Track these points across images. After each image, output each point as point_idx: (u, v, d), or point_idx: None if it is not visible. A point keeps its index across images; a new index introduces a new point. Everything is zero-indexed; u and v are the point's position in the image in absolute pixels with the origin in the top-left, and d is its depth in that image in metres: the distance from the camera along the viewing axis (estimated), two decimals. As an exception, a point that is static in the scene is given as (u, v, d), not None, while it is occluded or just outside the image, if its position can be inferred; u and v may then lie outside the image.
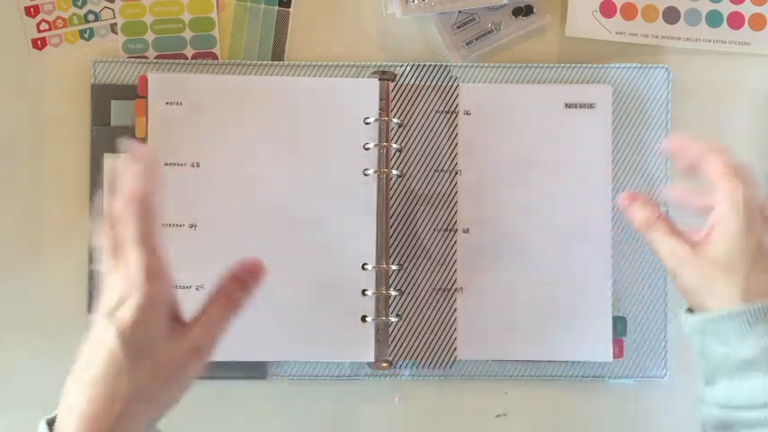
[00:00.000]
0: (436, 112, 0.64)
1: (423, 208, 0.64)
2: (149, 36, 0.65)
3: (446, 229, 0.64)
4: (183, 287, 0.61)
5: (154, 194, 0.47)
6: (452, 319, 0.63)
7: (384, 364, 0.63)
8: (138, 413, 0.45)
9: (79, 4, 0.65)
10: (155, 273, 0.46)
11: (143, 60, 0.64)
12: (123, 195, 0.47)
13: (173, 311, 0.47)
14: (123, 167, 0.47)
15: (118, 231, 0.47)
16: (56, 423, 0.46)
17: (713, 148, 0.52)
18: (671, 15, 0.66)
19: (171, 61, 0.64)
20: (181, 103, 0.63)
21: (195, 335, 0.47)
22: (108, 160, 0.59)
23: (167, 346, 0.46)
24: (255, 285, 0.50)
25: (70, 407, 0.45)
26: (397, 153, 0.64)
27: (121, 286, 0.45)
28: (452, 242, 0.64)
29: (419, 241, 0.64)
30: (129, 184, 0.47)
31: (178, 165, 0.62)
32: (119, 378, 0.44)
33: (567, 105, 0.64)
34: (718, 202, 0.50)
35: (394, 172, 0.63)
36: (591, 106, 0.64)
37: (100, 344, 0.45)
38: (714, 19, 0.66)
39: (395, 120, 0.63)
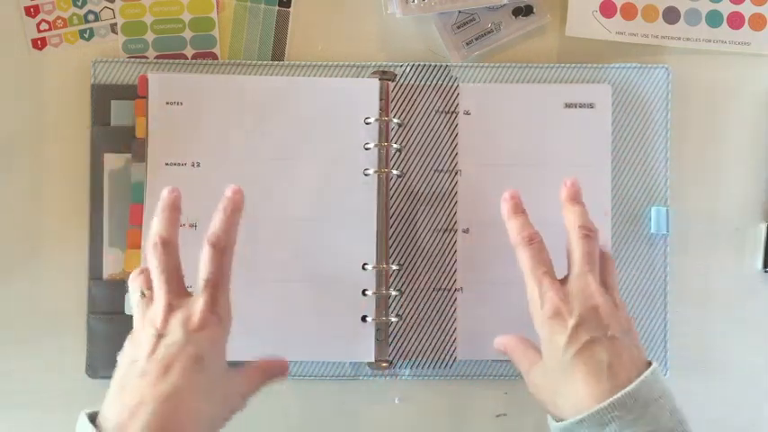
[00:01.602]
0: (436, 112, 0.64)
1: (423, 208, 0.64)
2: (149, 36, 0.65)
3: (446, 229, 0.64)
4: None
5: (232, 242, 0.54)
6: (452, 319, 0.63)
7: (384, 364, 0.63)
8: (203, 421, 0.48)
9: (79, 4, 0.65)
10: (229, 312, 0.52)
11: (143, 60, 0.64)
12: (206, 240, 0.53)
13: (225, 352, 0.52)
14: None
15: (179, 261, 0.53)
16: (100, 418, 0.47)
17: (532, 235, 0.54)
18: (671, 15, 0.66)
19: (171, 61, 0.64)
20: (181, 103, 0.63)
21: (250, 381, 0.53)
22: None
23: (228, 380, 0.51)
24: (277, 380, 0.56)
25: (136, 409, 0.46)
26: (397, 153, 0.64)
27: (204, 313, 0.50)
28: (452, 242, 0.64)
29: (419, 241, 0.64)
30: (216, 228, 0.53)
31: (178, 165, 0.62)
32: (199, 394, 0.48)
33: (567, 105, 0.64)
34: (529, 312, 0.52)
35: (394, 172, 0.63)
36: (591, 106, 0.64)
37: (179, 356, 0.48)
38: (714, 19, 0.66)
39: (395, 120, 0.63)
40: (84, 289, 0.63)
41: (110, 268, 0.63)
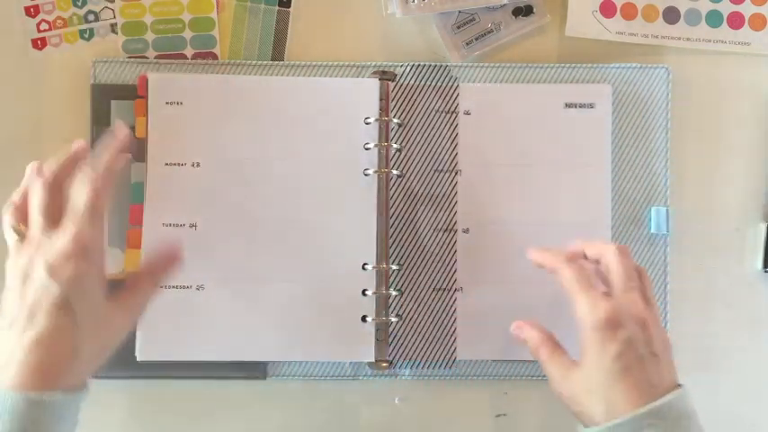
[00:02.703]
0: (436, 112, 0.64)
1: (423, 208, 0.64)
2: (149, 36, 0.65)
3: (446, 229, 0.64)
4: (184, 287, 0.62)
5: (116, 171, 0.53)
6: (452, 319, 0.63)
7: (384, 364, 0.63)
8: (81, 365, 0.49)
9: (79, 4, 0.65)
10: (99, 243, 0.51)
11: (143, 60, 0.64)
12: (91, 163, 0.52)
13: (103, 281, 0.51)
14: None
15: (59, 187, 0.52)
16: None
17: (568, 256, 0.54)
18: (671, 15, 0.66)
19: (171, 61, 0.64)
20: (181, 103, 0.63)
21: (134, 301, 0.53)
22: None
23: (106, 308, 0.50)
24: (173, 270, 0.56)
25: (8, 359, 0.47)
26: (397, 153, 0.64)
27: (65, 247, 0.49)
28: (452, 242, 0.64)
29: (419, 241, 0.64)
30: (102, 153, 0.52)
31: (178, 165, 0.62)
32: (67, 330, 0.48)
33: (567, 105, 0.64)
34: (577, 320, 0.52)
35: (394, 172, 0.63)
36: (591, 106, 0.64)
37: (42, 298, 0.48)
38: (714, 19, 0.66)
39: (395, 120, 0.63)
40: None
41: (110, 268, 0.63)
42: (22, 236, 0.51)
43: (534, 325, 0.56)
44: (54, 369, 0.47)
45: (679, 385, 0.51)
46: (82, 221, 0.50)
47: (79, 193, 0.50)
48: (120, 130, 0.56)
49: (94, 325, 0.49)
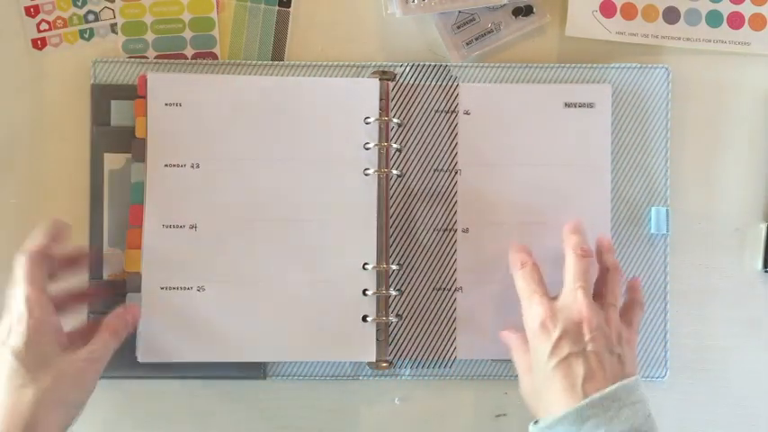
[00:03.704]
0: (436, 111, 0.64)
1: (422, 208, 0.64)
2: (149, 36, 0.65)
3: (446, 229, 0.64)
4: (184, 288, 0.62)
5: (46, 250, 0.55)
6: (452, 318, 0.63)
7: (384, 364, 0.63)
8: (46, 418, 0.51)
9: (79, 4, 0.65)
10: (38, 302, 0.53)
11: (143, 60, 0.64)
12: (26, 253, 0.55)
13: (59, 334, 0.54)
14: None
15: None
16: None
17: (522, 261, 0.57)
18: (671, 15, 0.66)
19: (171, 61, 0.64)
20: (180, 104, 0.62)
21: (92, 348, 0.55)
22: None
23: (63, 359, 0.53)
24: (134, 325, 0.60)
25: None
26: (397, 153, 0.64)
27: (8, 319, 0.53)
28: (452, 242, 0.64)
29: (419, 241, 0.64)
30: (29, 242, 0.56)
31: (178, 166, 0.62)
32: (23, 389, 0.51)
33: (567, 105, 0.64)
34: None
35: (394, 172, 0.63)
36: (590, 106, 0.64)
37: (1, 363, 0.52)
38: (714, 19, 0.66)
39: (395, 119, 0.63)
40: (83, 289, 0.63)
41: (110, 268, 0.63)
42: None
43: (514, 330, 0.58)
44: (14, 418, 0.50)
45: (633, 376, 0.52)
46: (16, 292, 0.53)
47: (17, 272, 0.54)
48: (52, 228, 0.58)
49: (53, 377, 0.52)
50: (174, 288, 0.61)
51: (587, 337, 0.52)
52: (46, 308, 0.54)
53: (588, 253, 0.56)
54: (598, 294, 0.56)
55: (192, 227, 0.62)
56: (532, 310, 0.54)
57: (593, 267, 0.57)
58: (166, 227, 0.62)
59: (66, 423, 0.52)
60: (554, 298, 0.55)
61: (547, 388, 0.52)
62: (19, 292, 0.53)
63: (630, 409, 0.50)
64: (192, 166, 0.62)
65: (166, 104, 0.62)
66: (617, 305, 0.56)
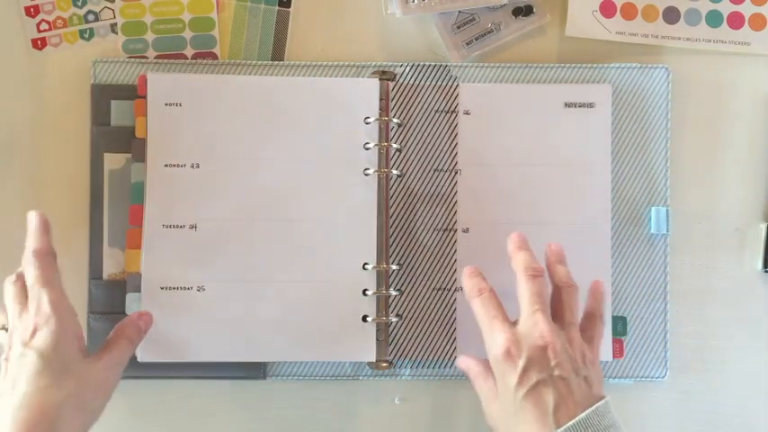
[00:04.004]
0: (436, 111, 0.64)
1: (422, 208, 0.64)
2: (149, 36, 0.65)
3: (446, 229, 0.64)
4: (184, 288, 0.62)
5: (52, 250, 0.56)
6: (452, 318, 0.63)
7: (384, 364, 0.63)
8: (70, 421, 0.51)
9: (79, 4, 0.65)
10: (63, 307, 0.53)
11: (143, 60, 0.64)
12: (28, 251, 0.55)
13: (80, 340, 0.54)
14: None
15: (22, 281, 0.55)
16: None
17: (480, 288, 0.56)
18: (671, 15, 0.66)
19: (171, 61, 0.64)
20: (180, 104, 0.62)
21: (111, 356, 0.55)
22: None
23: (86, 366, 0.53)
24: (146, 331, 0.60)
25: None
26: (397, 153, 0.64)
27: (33, 320, 0.53)
28: (452, 242, 0.64)
29: (419, 241, 0.64)
30: (33, 241, 0.56)
31: (178, 166, 0.62)
32: (48, 390, 0.51)
33: (567, 105, 0.64)
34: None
35: (394, 172, 0.63)
36: (590, 106, 0.64)
37: (21, 368, 0.51)
38: (714, 19, 0.66)
39: (395, 119, 0.64)
40: (84, 289, 0.63)
41: (110, 268, 0.63)
42: (5, 328, 0.56)
43: (472, 356, 0.57)
44: (39, 428, 0.50)
45: (602, 397, 0.51)
46: (38, 294, 0.53)
47: (29, 274, 0.55)
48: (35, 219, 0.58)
49: (76, 383, 0.52)
50: (173, 288, 0.61)
51: (553, 362, 0.51)
52: (70, 312, 0.54)
53: (539, 272, 0.54)
54: (556, 313, 0.55)
55: (192, 227, 0.62)
56: (495, 337, 0.52)
57: (549, 284, 0.55)
58: (166, 227, 0.62)
59: (85, 429, 0.53)
60: (514, 323, 0.53)
61: (518, 419, 0.51)
62: (40, 294, 0.53)
63: None
64: (192, 166, 0.62)
65: (166, 104, 0.62)
66: (576, 323, 0.55)
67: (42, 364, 0.51)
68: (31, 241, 0.56)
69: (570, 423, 0.49)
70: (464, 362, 0.57)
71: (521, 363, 0.51)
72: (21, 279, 0.56)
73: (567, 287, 0.55)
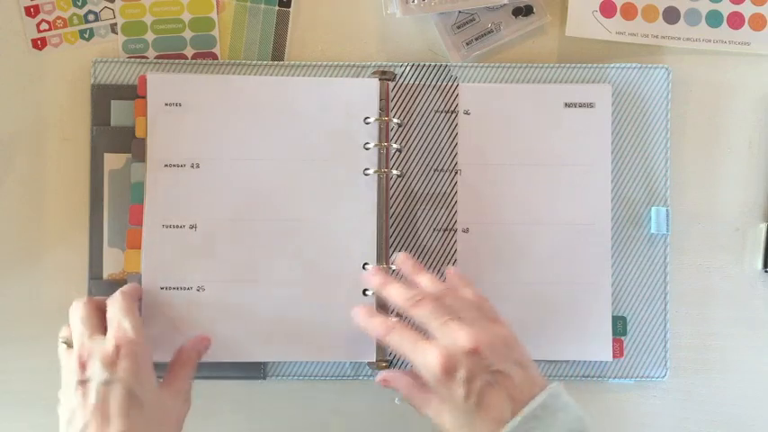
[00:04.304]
0: (436, 111, 0.64)
1: (422, 207, 0.64)
2: (149, 36, 0.65)
3: (446, 229, 0.64)
4: (184, 288, 0.62)
5: (138, 294, 0.59)
6: (452, 318, 0.63)
7: (384, 364, 0.63)
8: None
9: (79, 4, 0.65)
10: (143, 335, 0.55)
11: (143, 60, 0.64)
12: (118, 292, 0.58)
13: (153, 371, 0.55)
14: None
15: (93, 304, 0.57)
16: None
17: (388, 326, 0.55)
18: (671, 15, 0.66)
19: (171, 61, 0.64)
20: (180, 105, 0.62)
21: (186, 389, 0.57)
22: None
23: (164, 398, 0.54)
24: (204, 353, 0.60)
25: None
26: (397, 153, 0.64)
27: (114, 342, 0.53)
28: (452, 242, 0.64)
29: (419, 241, 0.64)
30: (124, 287, 0.59)
31: (178, 166, 0.62)
32: (137, 419, 0.51)
33: (567, 105, 0.64)
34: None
35: (394, 172, 0.63)
36: (590, 106, 0.64)
37: (111, 400, 0.51)
38: (714, 19, 0.66)
39: (395, 119, 0.64)
40: (84, 289, 0.63)
41: (110, 268, 0.63)
42: (68, 344, 0.56)
43: (400, 374, 0.57)
44: None
45: (547, 381, 0.52)
46: (120, 321, 0.54)
47: (113, 306, 0.56)
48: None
49: (158, 414, 0.53)
50: (173, 288, 0.61)
51: (488, 360, 0.51)
52: (148, 346, 0.55)
53: (417, 297, 0.54)
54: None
55: (192, 227, 0.62)
56: (426, 358, 0.51)
57: (428, 298, 0.55)
58: (166, 227, 0.62)
59: None
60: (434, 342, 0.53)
61: (476, 422, 0.50)
62: (122, 320, 0.54)
63: (563, 412, 0.50)
64: (192, 166, 0.62)
65: (166, 104, 0.62)
66: (481, 315, 0.54)
67: (132, 394, 0.51)
68: (122, 288, 0.59)
69: (527, 408, 0.49)
70: (391, 377, 0.57)
71: (461, 374, 0.50)
72: (91, 302, 0.57)
73: (436, 299, 0.55)
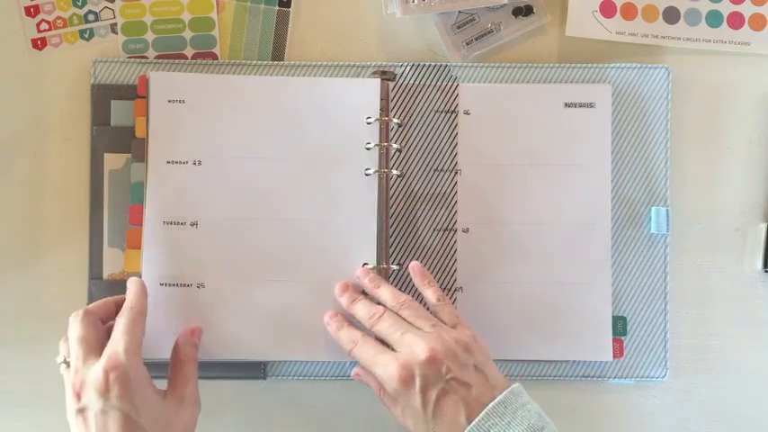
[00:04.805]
0: (436, 111, 0.64)
1: (423, 208, 0.64)
2: (149, 36, 0.65)
3: (446, 229, 0.64)
4: (184, 285, 0.62)
5: (145, 311, 0.58)
6: (452, 318, 0.63)
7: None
8: None
9: (79, 4, 0.65)
10: (137, 355, 0.54)
11: (143, 60, 0.64)
12: (125, 308, 0.57)
13: (151, 382, 0.55)
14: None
15: (90, 318, 0.56)
16: None
17: (353, 341, 0.58)
18: (671, 15, 0.66)
19: (171, 61, 0.65)
20: (183, 101, 0.62)
21: (191, 392, 0.57)
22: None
23: (166, 406, 0.55)
24: (198, 343, 0.60)
25: None
26: (398, 153, 0.64)
27: (103, 369, 0.52)
28: (452, 242, 0.64)
29: (419, 241, 0.64)
30: (130, 300, 0.57)
31: (179, 162, 0.62)
32: None
33: (567, 105, 0.64)
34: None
35: (394, 172, 0.63)
36: (590, 105, 0.64)
37: (107, 427, 0.52)
38: (714, 19, 0.66)
39: (395, 120, 0.64)
40: (84, 289, 0.63)
41: (110, 268, 0.63)
42: (68, 363, 0.55)
43: (366, 374, 0.58)
44: None
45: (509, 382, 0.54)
46: (118, 341, 0.54)
47: (118, 324, 0.55)
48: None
49: (162, 429, 0.54)
50: (173, 285, 0.61)
51: (443, 369, 0.53)
52: (140, 366, 0.54)
53: (377, 313, 0.57)
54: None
55: (193, 224, 0.62)
56: (387, 369, 0.54)
57: (387, 313, 0.57)
58: (167, 223, 0.62)
59: None
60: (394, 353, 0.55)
61: (435, 427, 0.53)
62: (119, 342, 0.54)
63: (523, 410, 0.52)
64: (194, 163, 0.62)
65: (169, 101, 0.62)
66: (437, 323, 0.56)
67: (127, 416, 0.52)
68: (130, 300, 0.57)
69: (490, 405, 0.52)
70: (363, 373, 0.59)
71: (417, 383, 0.53)
72: (88, 316, 0.56)
73: (401, 306, 0.57)
